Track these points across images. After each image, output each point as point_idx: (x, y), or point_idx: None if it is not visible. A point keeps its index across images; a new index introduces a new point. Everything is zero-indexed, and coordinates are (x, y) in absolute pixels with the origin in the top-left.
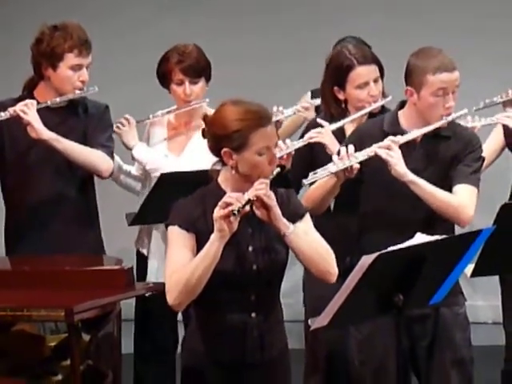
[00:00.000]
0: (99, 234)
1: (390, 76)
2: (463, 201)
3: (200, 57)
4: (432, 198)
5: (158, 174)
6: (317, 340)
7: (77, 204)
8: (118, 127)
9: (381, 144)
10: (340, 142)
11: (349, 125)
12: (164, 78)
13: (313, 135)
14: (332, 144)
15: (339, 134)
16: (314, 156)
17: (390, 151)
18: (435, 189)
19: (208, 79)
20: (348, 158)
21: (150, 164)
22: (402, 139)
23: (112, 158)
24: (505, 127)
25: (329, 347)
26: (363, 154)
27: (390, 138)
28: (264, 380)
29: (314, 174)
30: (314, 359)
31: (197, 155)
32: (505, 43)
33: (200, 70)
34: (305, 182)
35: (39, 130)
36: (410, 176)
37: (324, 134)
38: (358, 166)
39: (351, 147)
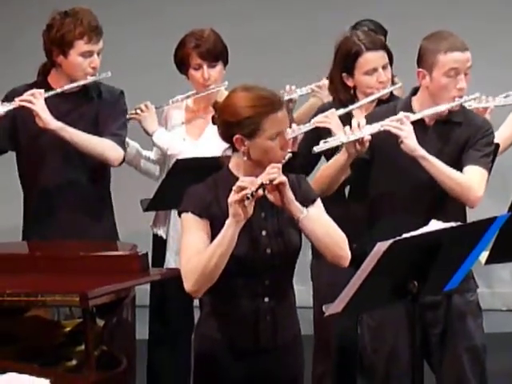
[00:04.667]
0: (112, 222)
1: (404, 62)
2: (472, 181)
3: (217, 41)
4: (441, 175)
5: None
6: (328, 326)
7: (87, 191)
8: (137, 113)
9: (392, 118)
10: None
11: (357, 112)
12: (182, 63)
13: (319, 120)
14: (338, 129)
15: (347, 121)
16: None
17: (401, 125)
18: (445, 166)
19: (225, 63)
20: (359, 130)
21: (171, 149)
22: (413, 116)
23: (123, 146)
24: None
25: (339, 334)
26: (374, 127)
27: (402, 113)
28: (277, 365)
29: (325, 142)
30: (324, 346)
31: (215, 139)
32: None
33: (217, 53)
34: (315, 149)
35: (46, 120)
36: (420, 151)
37: (330, 119)
38: (369, 137)
39: (363, 120)
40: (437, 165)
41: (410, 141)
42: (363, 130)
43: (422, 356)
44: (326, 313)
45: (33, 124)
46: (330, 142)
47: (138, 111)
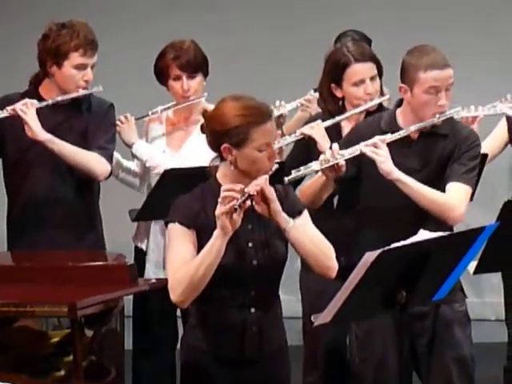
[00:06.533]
0: (99, 235)
1: (390, 72)
2: (453, 199)
3: (197, 52)
4: (419, 197)
5: (158, 171)
6: (316, 337)
7: (74, 205)
8: (116, 125)
9: (367, 142)
10: (336, 140)
11: (346, 123)
12: (161, 74)
13: (305, 130)
14: (323, 140)
15: (335, 132)
16: (311, 152)
17: (376, 149)
18: (422, 187)
19: (206, 74)
20: (333, 156)
21: (150, 161)
22: (389, 138)
23: (110, 160)
24: (509, 122)
25: (328, 344)
26: (349, 152)
27: (377, 136)
28: (263, 376)
29: (297, 171)
30: (313, 356)
31: (195, 151)
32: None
33: (197, 65)
34: (286, 179)
35: (35, 130)
36: (395, 174)
37: (316, 130)
38: (343, 163)
39: (335, 145)
40: (413, 186)
41: (384, 165)
42: (337, 156)
43: (411, 366)
44: (315, 323)
45: (23, 136)
46: (303, 171)
47: (118, 123)
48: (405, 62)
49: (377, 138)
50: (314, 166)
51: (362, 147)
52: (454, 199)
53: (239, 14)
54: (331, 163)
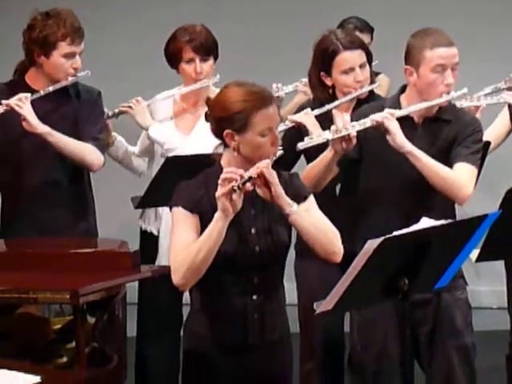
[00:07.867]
0: (93, 222)
1: (391, 60)
2: (462, 178)
3: (208, 35)
4: (430, 172)
5: (175, 154)
6: (312, 325)
7: (68, 192)
8: (130, 107)
9: (378, 114)
10: (328, 129)
11: (336, 112)
12: (173, 57)
13: (295, 117)
14: (314, 128)
15: (327, 121)
16: (302, 140)
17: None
18: (434, 162)
19: (216, 58)
20: (345, 127)
21: (167, 143)
22: (398, 112)
23: (103, 151)
24: (511, 110)
25: (324, 332)
26: (360, 124)
27: (387, 110)
28: (265, 361)
29: (310, 138)
30: (310, 345)
31: (206, 134)
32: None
33: (210, 48)
34: (299, 146)
35: (34, 124)
36: (408, 147)
37: (306, 118)
38: (355, 134)
39: (347, 116)
40: (425, 161)
41: (398, 137)
42: (349, 127)
43: (412, 354)
44: (317, 310)
45: (15, 128)
46: (315, 139)
47: (131, 105)
48: (409, 43)
49: (386, 112)
50: (327, 134)
51: (378, 117)
52: (463, 178)
53: (243, 3)
54: (343, 133)
